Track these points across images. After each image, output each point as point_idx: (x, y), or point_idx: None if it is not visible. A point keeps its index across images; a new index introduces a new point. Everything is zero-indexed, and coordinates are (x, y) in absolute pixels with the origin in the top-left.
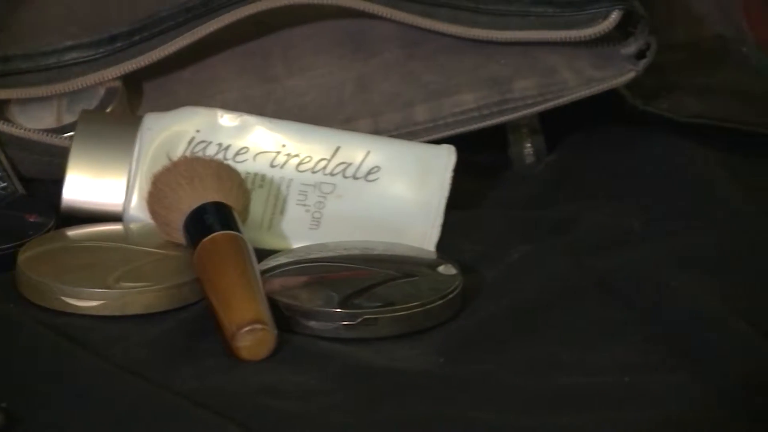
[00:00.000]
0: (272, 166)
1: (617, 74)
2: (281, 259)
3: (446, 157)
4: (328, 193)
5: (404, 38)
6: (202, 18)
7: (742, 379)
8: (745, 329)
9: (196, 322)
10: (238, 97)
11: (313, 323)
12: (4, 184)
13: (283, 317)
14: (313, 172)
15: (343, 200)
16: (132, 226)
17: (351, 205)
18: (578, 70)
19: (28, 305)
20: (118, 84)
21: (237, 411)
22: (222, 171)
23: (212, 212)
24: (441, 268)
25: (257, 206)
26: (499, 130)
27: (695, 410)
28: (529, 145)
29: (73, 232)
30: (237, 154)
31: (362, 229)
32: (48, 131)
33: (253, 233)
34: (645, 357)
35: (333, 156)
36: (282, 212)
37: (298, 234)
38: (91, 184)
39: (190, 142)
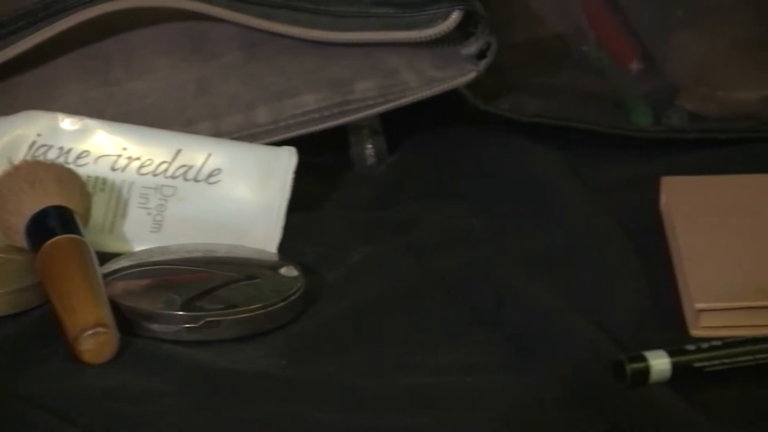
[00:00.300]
0: (113, 169)
1: (458, 74)
2: (123, 263)
3: (287, 159)
4: (169, 196)
5: (245, 40)
6: (43, 22)
7: (584, 377)
8: (585, 327)
9: (38, 326)
10: (79, 101)
11: (155, 326)
12: None
13: (126, 320)
14: (155, 175)
15: (185, 203)
16: None
17: (193, 207)
18: (419, 71)
19: None
20: None
21: (79, 415)
22: (63, 175)
23: (54, 216)
24: (283, 270)
25: (99, 209)
26: (341, 132)
27: (537, 409)
28: (370, 146)
29: None
30: (78, 157)
31: (204, 231)
32: None
33: (95, 236)
34: (487, 357)
35: (174, 159)
36: (123, 215)
37: (140, 237)
38: None
39: (31, 146)
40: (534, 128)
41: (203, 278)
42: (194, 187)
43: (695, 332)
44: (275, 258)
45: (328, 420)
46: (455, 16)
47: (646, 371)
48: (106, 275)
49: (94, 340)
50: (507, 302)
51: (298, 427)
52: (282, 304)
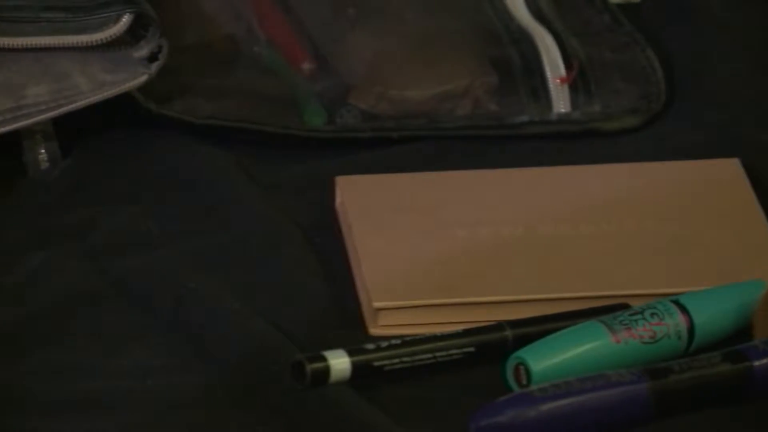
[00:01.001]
0: None
1: (130, 78)
2: None
3: None
4: None
5: None
6: None
7: (263, 377)
8: (263, 327)
9: None
10: None
11: None
12: None
13: None
14: None
15: None
16: None
17: None
18: (91, 75)
19: None
20: None
21: None
22: None
23: None
24: None
25: None
26: (13, 137)
27: (217, 409)
28: (43, 151)
29: None
30: None
31: None
32: None
33: None
34: (167, 359)
35: None
36: None
37: None
38: None
39: None
40: (208, 130)
41: None
42: None
43: (374, 331)
44: None
45: (6, 424)
46: (126, 20)
47: (325, 371)
48: None
49: None
50: (185, 304)
51: None
52: None
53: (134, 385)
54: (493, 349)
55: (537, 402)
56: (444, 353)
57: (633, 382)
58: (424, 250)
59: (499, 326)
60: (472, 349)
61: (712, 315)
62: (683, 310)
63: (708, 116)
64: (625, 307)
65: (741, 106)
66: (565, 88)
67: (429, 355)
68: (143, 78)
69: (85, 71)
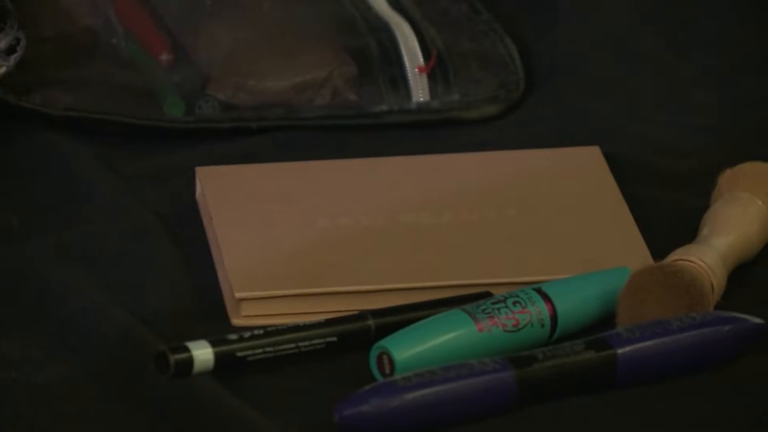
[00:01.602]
0: None
1: None
2: None
3: None
4: None
5: None
6: None
7: (127, 369)
8: (126, 319)
9: None
10: None
11: None
12: None
13: None
14: None
15: None
16: None
17: None
18: None
19: None
20: None
21: None
22: None
23: None
24: None
25: None
26: None
27: (83, 402)
28: None
29: None
30: None
31: None
32: None
33: None
34: (31, 352)
35: None
36: None
37: None
38: None
39: None
40: (68, 122)
41: None
42: None
43: (237, 321)
44: None
45: None
46: None
47: (189, 362)
48: None
49: None
50: (49, 297)
51: None
52: None
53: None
54: (356, 339)
55: (401, 391)
56: (307, 343)
57: (497, 370)
58: (285, 240)
59: (362, 316)
60: (334, 339)
61: (575, 303)
62: (546, 298)
63: (568, 105)
64: (487, 295)
65: (601, 94)
66: (424, 78)
67: (292, 345)
68: (1, 70)
69: None
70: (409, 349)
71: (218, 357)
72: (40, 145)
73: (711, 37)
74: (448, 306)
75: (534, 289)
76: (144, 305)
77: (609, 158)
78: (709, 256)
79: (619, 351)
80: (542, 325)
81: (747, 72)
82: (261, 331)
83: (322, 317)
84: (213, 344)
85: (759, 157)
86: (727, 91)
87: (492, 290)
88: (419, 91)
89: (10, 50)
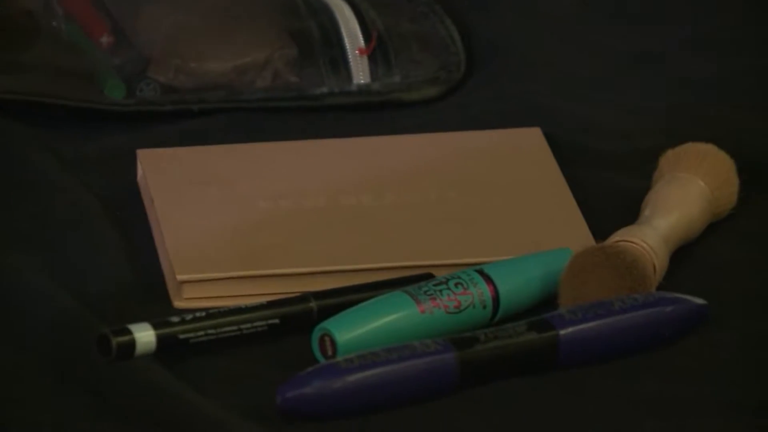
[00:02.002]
0: None
1: None
2: None
3: None
4: None
5: None
6: None
7: (69, 352)
8: (68, 302)
9: None
10: None
11: None
12: None
13: None
14: None
15: None
16: None
17: None
18: None
19: None
20: None
21: None
22: None
23: None
24: None
25: None
26: None
27: (25, 384)
28: None
29: None
30: None
31: None
32: None
33: None
34: None
35: None
36: None
37: None
38: None
39: None
40: (7, 105)
41: None
42: None
43: (179, 304)
44: None
45: None
46: None
47: (131, 344)
48: None
49: None
50: None
51: None
52: None
53: None
54: (298, 321)
55: (343, 373)
56: (249, 325)
57: (439, 351)
58: (227, 222)
59: (304, 297)
60: (277, 321)
61: (517, 284)
62: (488, 279)
63: (509, 86)
64: (429, 277)
65: (541, 76)
66: (365, 60)
67: (234, 327)
68: None
69: None
70: (351, 330)
71: (160, 339)
72: None
73: (649, 18)
74: (390, 288)
75: (476, 271)
76: (86, 288)
77: (550, 139)
78: (651, 236)
79: (562, 332)
80: (484, 307)
81: (683, 51)
82: (203, 314)
83: (264, 299)
84: (155, 327)
85: (697, 137)
86: (666, 72)
87: (434, 272)
88: (360, 73)
89: None
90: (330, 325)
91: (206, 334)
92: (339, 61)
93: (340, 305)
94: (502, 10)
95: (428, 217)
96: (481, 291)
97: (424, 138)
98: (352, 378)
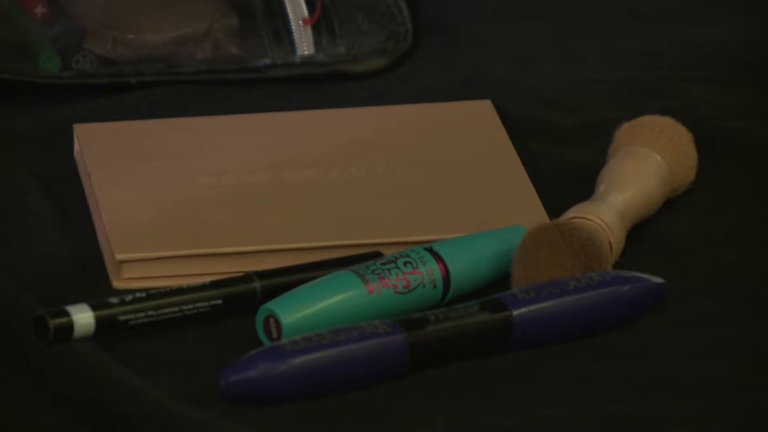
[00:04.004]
0: None
1: None
2: None
3: None
4: None
5: None
6: None
7: (4, 332)
8: (4, 283)
9: None
10: None
11: None
12: None
13: None
14: None
15: None
16: None
17: None
18: None
19: None
20: None
21: None
22: None
23: None
24: None
25: None
26: None
27: None
28: None
29: None
30: None
31: None
32: None
33: None
34: None
35: None
36: None
37: None
38: None
39: None
40: None
41: None
42: None
43: (118, 284)
44: None
45: None
46: None
47: (69, 326)
48: None
49: None
50: None
51: None
52: None
53: None
54: (241, 302)
55: (288, 356)
56: (191, 306)
57: (388, 333)
58: (167, 199)
59: (247, 277)
60: (219, 302)
61: (469, 263)
62: (438, 258)
63: (457, 57)
64: (377, 255)
65: (490, 47)
66: (308, 30)
67: (175, 309)
68: None
69: None
70: (296, 312)
71: (99, 321)
72: None
73: None
74: (336, 267)
75: (426, 249)
76: (21, 268)
77: (500, 112)
78: (606, 213)
79: (515, 312)
80: (435, 287)
81: (632, 22)
82: (143, 294)
83: (206, 279)
84: (94, 308)
85: (651, 110)
86: (616, 43)
87: (382, 250)
88: (304, 44)
89: None
90: (275, 306)
91: (147, 316)
92: (282, 32)
93: (286, 285)
94: None
95: (376, 193)
96: (431, 270)
97: (371, 111)
98: (298, 361)
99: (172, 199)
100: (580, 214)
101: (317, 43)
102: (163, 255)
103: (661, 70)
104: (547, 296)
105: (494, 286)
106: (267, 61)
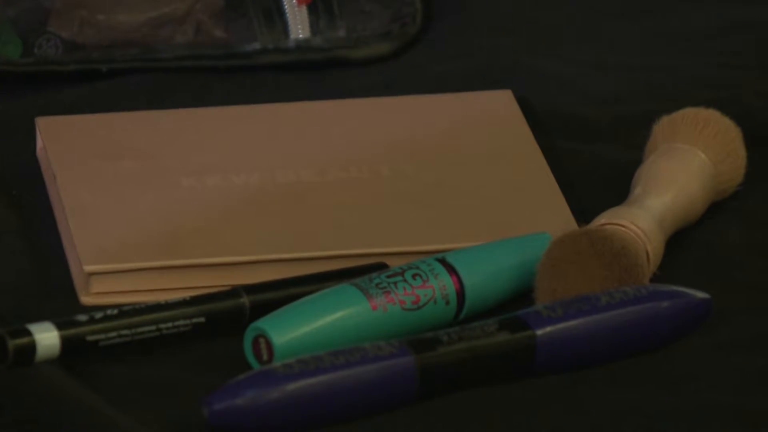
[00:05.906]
0: None
1: None
2: None
3: None
4: None
5: None
6: None
7: None
8: None
9: None
10: None
11: None
12: None
13: None
14: None
15: None
16: None
17: None
18: None
19: None
20: None
21: None
22: None
23: None
24: None
25: None
26: None
27: None
28: None
29: None
30: None
31: None
32: None
33: None
34: None
35: None
36: None
37: None
38: None
39: None
40: None
41: None
42: None
43: (87, 300)
44: None
45: None
46: None
47: (31, 347)
48: None
49: None
50: None
51: None
52: None
53: None
54: (227, 319)
55: (281, 381)
56: (170, 325)
57: (394, 355)
58: (143, 203)
59: (234, 292)
60: (202, 320)
61: (486, 275)
62: (452, 270)
63: (473, 41)
64: (382, 267)
65: (510, 30)
66: (304, 10)
67: (152, 327)
68: None
69: None
70: (290, 331)
71: (65, 342)
72: None
73: None
74: (336, 280)
75: (437, 260)
76: None
77: (522, 104)
78: (642, 219)
79: (539, 332)
80: (447, 302)
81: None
82: (115, 311)
83: (187, 294)
84: (59, 327)
85: (693, 101)
86: (655, 25)
87: (387, 261)
88: (298, 26)
89: None
90: (265, 324)
91: (119, 336)
92: (274, 13)
93: (278, 301)
94: None
95: (380, 196)
96: (443, 284)
97: (374, 103)
98: (292, 387)
99: (148, 202)
100: (613, 220)
101: (314, 26)
102: (138, 267)
103: (707, 57)
104: (575, 314)
105: (515, 302)
106: (256, 45)
